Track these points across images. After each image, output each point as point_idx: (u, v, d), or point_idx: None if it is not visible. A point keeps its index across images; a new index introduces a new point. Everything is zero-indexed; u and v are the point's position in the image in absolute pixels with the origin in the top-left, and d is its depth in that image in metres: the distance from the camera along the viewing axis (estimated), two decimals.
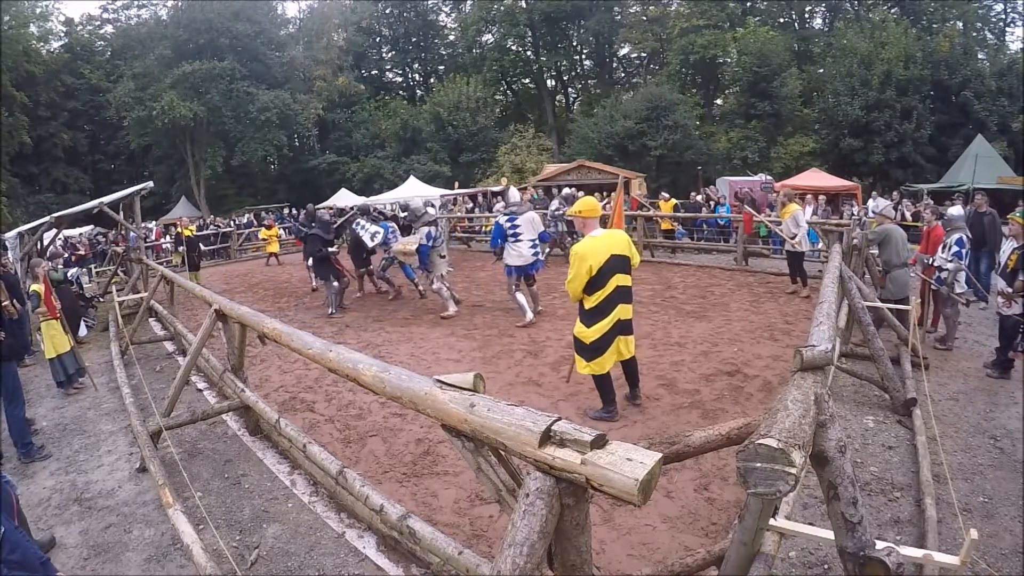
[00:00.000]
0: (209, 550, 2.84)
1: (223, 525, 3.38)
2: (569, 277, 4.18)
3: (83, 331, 8.56)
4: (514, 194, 8.33)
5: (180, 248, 13.61)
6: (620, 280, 4.19)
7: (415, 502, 3.43)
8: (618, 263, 4.17)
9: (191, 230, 13.00)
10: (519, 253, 7.18)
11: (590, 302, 4.17)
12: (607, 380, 4.37)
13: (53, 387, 6.04)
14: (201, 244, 14.84)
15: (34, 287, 5.72)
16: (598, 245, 4.15)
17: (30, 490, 4.02)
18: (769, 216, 12.00)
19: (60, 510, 3.75)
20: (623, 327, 4.28)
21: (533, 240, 7.27)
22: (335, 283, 8.77)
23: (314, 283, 10.29)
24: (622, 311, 4.23)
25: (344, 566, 2.98)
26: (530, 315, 7.32)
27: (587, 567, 1.61)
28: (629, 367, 4.51)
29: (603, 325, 4.17)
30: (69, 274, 10.93)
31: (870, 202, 13.46)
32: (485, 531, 3.14)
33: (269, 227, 16.98)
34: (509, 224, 7.25)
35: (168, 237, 18.29)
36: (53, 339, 5.73)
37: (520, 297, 7.34)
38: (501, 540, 1.45)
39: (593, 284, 4.11)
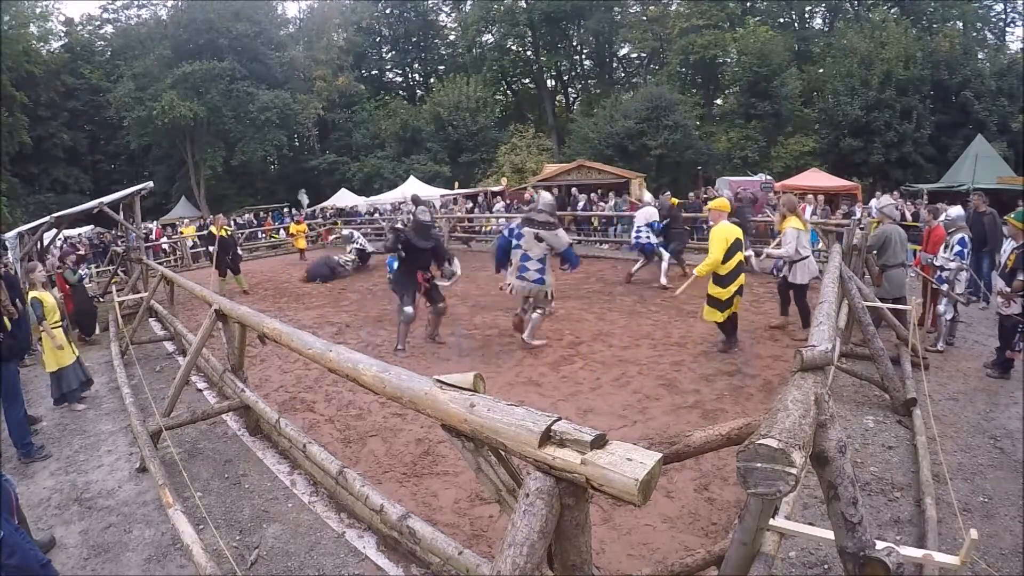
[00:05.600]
0: (209, 550, 2.84)
1: (223, 525, 3.38)
2: (709, 255, 5.71)
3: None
4: (645, 194, 10.45)
5: (211, 248, 11.78)
6: (740, 257, 5.79)
7: (415, 502, 3.43)
8: (739, 245, 5.78)
9: (226, 230, 11.51)
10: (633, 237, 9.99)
11: (724, 270, 5.68)
12: (731, 322, 5.92)
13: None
14: (238, 246, 12.75)
15: (34, 294, 5.20)
16: (728, 229, 5.74)
17: (30, 490, 4.02)
18: (768, 216, 11.98)
19: (60, 510, 3.74)
20: (741, 291, 5.88)
21: (642, 227, 9.71)
22: (408, 308, 6.35)
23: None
24: (742, 279, 5.85)
25: (344, 566, 2.97)
26: (664, 269, 9.52)
27: (587, 567, 1.61)
28: (733, 320, 5.97)
29: (732, 287, 5.70)
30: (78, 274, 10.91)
31: (873, 201, 13.45)
32: (485, 531, 3.14)
33: (298, 223, 16.86)
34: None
35: (181, 239, 17.74)
36: (56, 352, 5.24)
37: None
38: (501, 540, 1.45)
39: (727, 256, 5.64)
